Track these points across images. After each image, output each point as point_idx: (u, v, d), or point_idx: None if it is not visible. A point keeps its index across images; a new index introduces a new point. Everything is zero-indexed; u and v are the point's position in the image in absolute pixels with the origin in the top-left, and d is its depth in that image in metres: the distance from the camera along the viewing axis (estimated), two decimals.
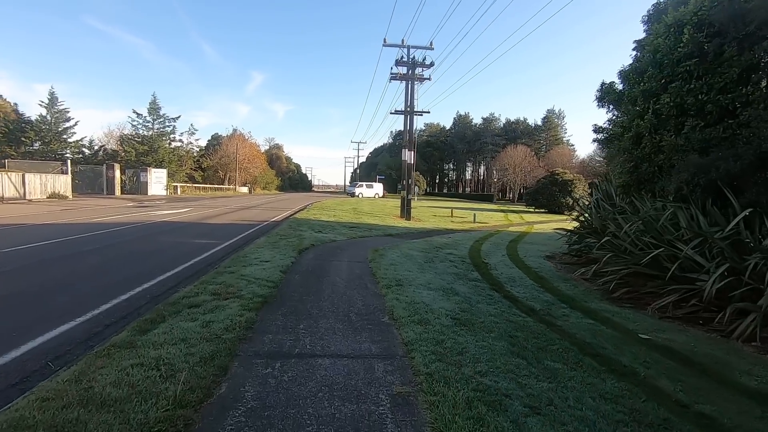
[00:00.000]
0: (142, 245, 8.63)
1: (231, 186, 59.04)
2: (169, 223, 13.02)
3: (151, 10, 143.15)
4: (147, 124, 38.88)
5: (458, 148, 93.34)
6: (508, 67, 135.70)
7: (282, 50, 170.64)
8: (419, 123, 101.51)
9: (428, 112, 22.17)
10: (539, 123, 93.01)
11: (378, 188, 50.39)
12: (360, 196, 44.80)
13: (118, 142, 38.18)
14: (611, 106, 11.62)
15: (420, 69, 21.10)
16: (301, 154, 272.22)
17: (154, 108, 38.78)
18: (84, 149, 37.55)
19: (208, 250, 8.09)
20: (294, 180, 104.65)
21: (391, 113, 22.67)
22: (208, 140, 69.47)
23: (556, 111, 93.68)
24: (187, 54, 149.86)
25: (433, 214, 27.23)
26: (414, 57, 20.79)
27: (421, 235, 14.16)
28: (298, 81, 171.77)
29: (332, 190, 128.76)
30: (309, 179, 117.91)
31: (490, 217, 27.11)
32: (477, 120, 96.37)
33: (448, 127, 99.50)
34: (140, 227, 11.56)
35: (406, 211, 21.35)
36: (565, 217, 33.79)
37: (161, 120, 39.37)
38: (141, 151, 37.11)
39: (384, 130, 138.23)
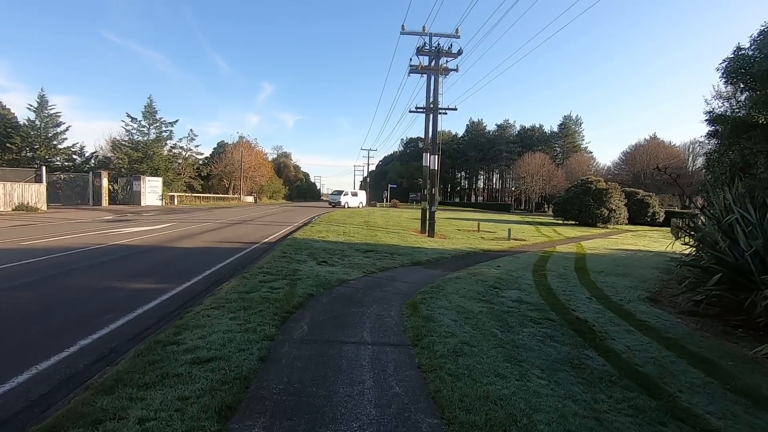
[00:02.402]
0: (34, 297, 5.31)
1: (236, 195, 56.18)
2: (126, 247, 9.75)
3: (165, 23, 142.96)
4: (142, 129, 36.05)
5: (471, 156, 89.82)
6: (524, 73, 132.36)
7: (291, 61, 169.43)
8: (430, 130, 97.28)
9: (455, 109, 18.75)
10: (555, 130, 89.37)
11: (362, 197, 46.42)
12: (346, 205, 39.68)
13: (110, 148, 35.31)
14: (741, 85, 8.14)
15: (444, 59, 17.84)
16: (310, 162, 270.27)
17: (149, 111, 35.92)
18: (74, 156, 34.79)
19: (127, 313, 4.73)
20: (302, 189, 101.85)
21: (410, 111, 19.40)
22: (214, 148, 67.32)
23: (573, 117, 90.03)
24: (200, 66, 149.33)
25: (455, 227, 23.72)
26: (439, 43, 17.56)
27: (458, 262, 10.72)
28: (307, 91, 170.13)
29: None
30: (318, 188, 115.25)
31: (521, 231, 23.51)
32: (491, 127, 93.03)
33: (460, 135, 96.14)
34: (75, 256, 8.29)
35: (429, 226, 17.90)
36: (602, 230, 30.00)
37: (157, 125, 36.50)
38: (135, 157, 34.23)
39: (399, 133, 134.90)
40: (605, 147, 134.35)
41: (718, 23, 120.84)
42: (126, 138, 35.60)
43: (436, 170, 18.38)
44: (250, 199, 59.68)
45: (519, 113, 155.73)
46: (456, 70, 17.95)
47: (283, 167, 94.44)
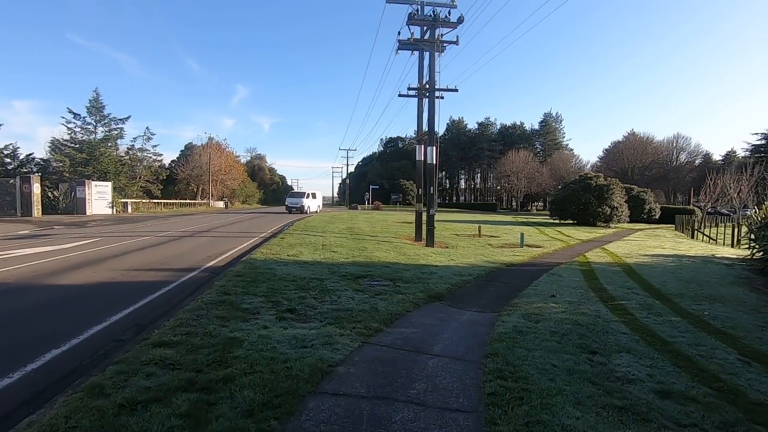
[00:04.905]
0: None
1: (204, 201, 51.52)
2: None
3: (134, 24, 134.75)
4: (87, 127, 31.23)
5: (452, 155, 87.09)
6: (504, 71, 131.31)
7: (265, 63, 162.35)
8: (407, 130, 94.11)
9: (455, 90, 15.46)
10: (536, 127, 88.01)
11: (319, 199, 42.17)
12: (308, 210, 34.60)
13: (49, 150, 30.42)
14: None
15: (440, 30, 14.62)
16: (287, 165, 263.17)
17: (96, 107, 31.11)
18: (6, 159, 29.84)
19: None
20: (279, 193, 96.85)
21: (400, 95, 16.08)
22: (181, 150, 62.31)
23: (554, 114, 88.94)
24: (171, 68, 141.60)
25: (451, 232, 20.55)
26: (434, 11, 14.32)
27: (489, 290, 7.45)
28: (283, 93, 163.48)
29: None
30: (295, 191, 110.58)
31: (526, 234, 20.44)
32: (472, 125, 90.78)
33: (441, 134, 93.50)
34: None
35: (428, 234, 14.62)
36: (606, 230, 27.30)
37: (105, 122, 31.75)
38: (79, 160, 29.54)
39: (381, 128, 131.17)
40: (583, 144, 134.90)
41: (689, 16, 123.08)
42: (68, 137, 30.77)
43: (434, 164, 15.13)
44: (221, 204, 55.08)
45: (500, 111, 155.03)
46: (456, 42, 14.76)
47: (257, 170, 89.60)
